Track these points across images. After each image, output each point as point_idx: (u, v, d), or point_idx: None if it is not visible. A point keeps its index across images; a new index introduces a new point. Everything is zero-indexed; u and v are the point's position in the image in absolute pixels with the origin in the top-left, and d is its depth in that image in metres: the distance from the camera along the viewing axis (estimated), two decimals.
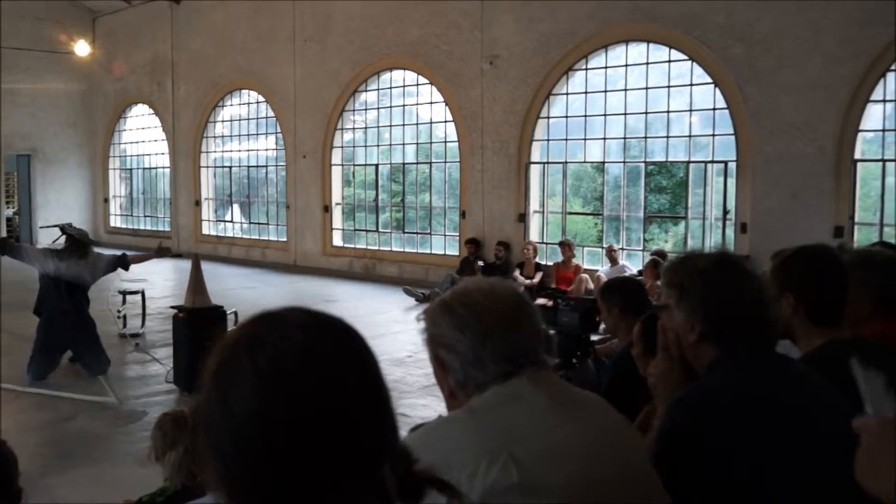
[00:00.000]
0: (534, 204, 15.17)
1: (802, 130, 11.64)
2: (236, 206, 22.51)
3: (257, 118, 21.11)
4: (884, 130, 11.58)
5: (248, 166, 21.78)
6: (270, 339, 1.02)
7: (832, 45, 11.27)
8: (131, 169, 26.01)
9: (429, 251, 17.17)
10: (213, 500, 1.11)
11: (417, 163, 17.58)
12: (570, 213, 15.87)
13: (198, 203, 22.66)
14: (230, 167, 22.29)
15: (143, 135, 25.12)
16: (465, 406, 1.70)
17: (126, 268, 9.26)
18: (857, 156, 11.50)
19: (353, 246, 18.69)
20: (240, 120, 21.76)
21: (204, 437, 1.04)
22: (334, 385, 1.01)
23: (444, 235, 17.00)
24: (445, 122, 16.49)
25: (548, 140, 15.03)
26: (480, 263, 14.61)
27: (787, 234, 10.38)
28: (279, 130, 20.15)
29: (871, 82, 11.14)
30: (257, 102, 20.90)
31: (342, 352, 1.05)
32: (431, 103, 16.80)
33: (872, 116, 11.43)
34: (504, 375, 1.70)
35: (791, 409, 1.98)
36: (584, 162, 15.73)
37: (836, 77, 11.28)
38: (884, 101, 11.29)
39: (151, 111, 24.18)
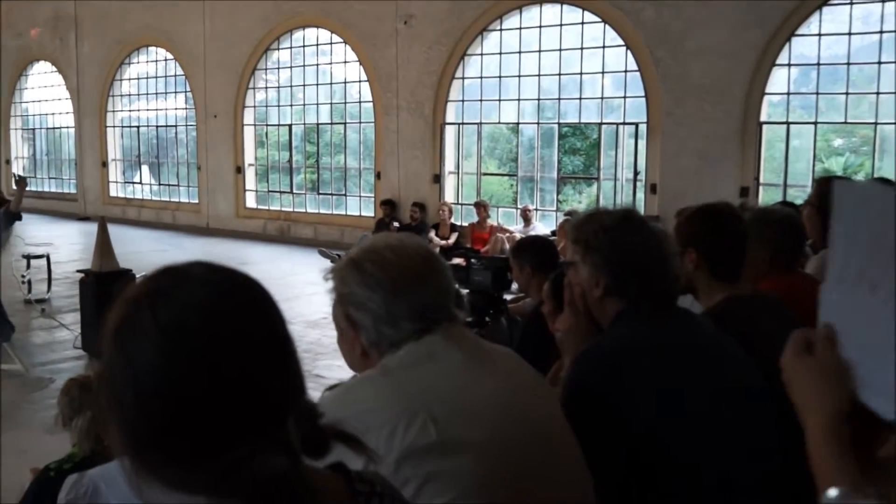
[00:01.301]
0: (449, 165, 15.19)
1: (710, 94, 11.90)
2: (145, 168, 21.93)
3: (165, 76, 20.52)
4: (788, 94, 11.94)
5: (157, 126, 21.21)
6: (173, 293, 1.00)
7: (739, 11, 11.51)
8: (34, 129, 25.06)
9: (344, 212, 17.07)
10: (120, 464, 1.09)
11: (332, 123, 17.40)
12: (485, 174, 15.96)
13: (105, 164, 21.99)
14: (138, 127, 21.68)
15: (46, 93, 24.16)
16: (378, 365, 1.68)
17: (19, 217, 8.85)
18: (763, 118, 11.83)
19: (266, 208, 18.45)
20: (147, 78, 21.12)
21: (106, 396, 1.02)
22: (238, 340, 1.00)
23: (360, 197, 16.91)
24: (360, 81, 16.33)
25: (462, 101, 15.03)
26: (396, 224, 14.59)
27: (695, 195, 10.59)
28: (189, 89, 19.65)
29: (777, 47, 11.44)
30: (165, 60, 20.31)
31: (246, 306, 1.03)
32: (346, 62, 16.60)
33: (778, 80, 11.75)
34: (418, 332, 1.69)
35: (691, 360, 2.05)
36: (499, 123, 15.79)
37: (743, 42, 11.54)
38: (788, 65, 11.63)
39: (54, 69, 23.26)
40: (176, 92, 20.46)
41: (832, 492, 1.01)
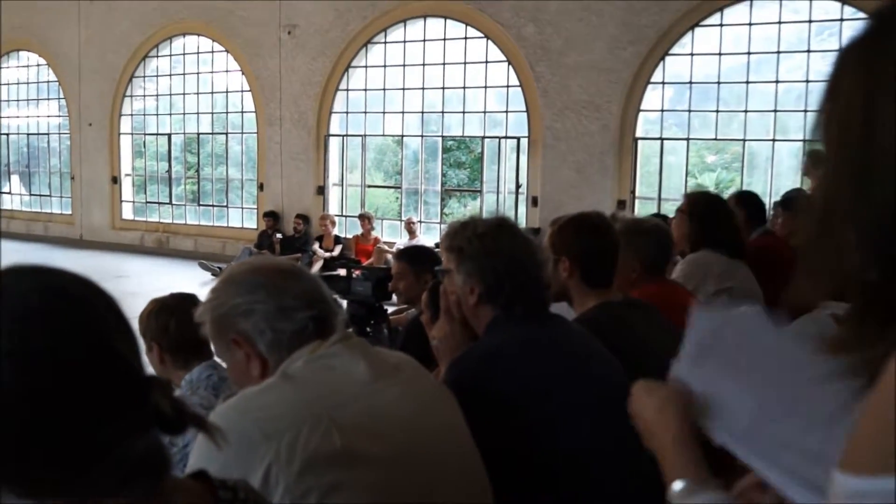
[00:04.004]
0: (333, 177, 15.11)
1: (588, 109, 12.22)
2: (15, 177, 20.99)
3: (38, 82, 19.69)
4: (662, 111, 12.36)
5: (28, 134, 20.33)
6: (4, 284, 0.95)
7: (615, 30, 11.88)
8: None
9: (226, 224, 16.73)
10: None
11: (213, 133, 17.06)
12: (370, 186, 15.94)
13: None
14: (7, 135, 20.73)
15: None
16: (278, 372, 1.65)
17: None
18: (639, 134, 12.23)
19: (144, 219, 17.90)
20: (18, 84, 20.21)
21: None
22: (85, 311, 0.96)
23: (242, 208, 16.63)
24: (242, 91, 16.07)
25: (347, 112, 14.98)
26: (279, 236, 14.42)
27: (574, 208, 10.72)
28: (62, 96, 18.93)
29: (651, 66, 11.85)
30: (37, 65, 19.50)
31: (81, 283, 1.00)
32: (227, 72, 16.31)
33: (653, 97, 12.17)
34: (314, 321, 1.70)
35: (562, 359, 2.11)
36: (385, 135, 15.82)
37: (620, 60, 11.91)
38: (662, 83, 12.05)
39: None
40: (49, 99, 19.63)
41: (677, 485, 1.04)
